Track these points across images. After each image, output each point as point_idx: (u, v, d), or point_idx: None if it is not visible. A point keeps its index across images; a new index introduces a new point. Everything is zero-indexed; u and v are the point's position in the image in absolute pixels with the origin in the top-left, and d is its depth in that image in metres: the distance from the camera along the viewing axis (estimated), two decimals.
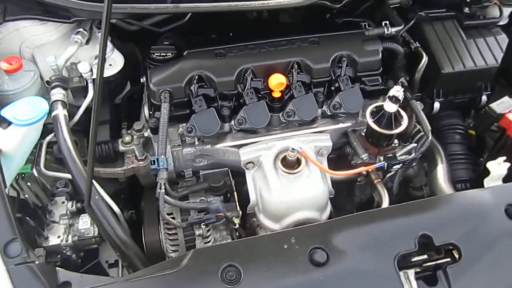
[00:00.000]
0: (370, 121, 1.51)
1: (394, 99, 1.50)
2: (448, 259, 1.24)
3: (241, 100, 1.50)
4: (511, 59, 1.86)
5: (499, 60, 1.67)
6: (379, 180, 1.60)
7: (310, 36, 1.58)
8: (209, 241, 1.44)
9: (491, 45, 1.70)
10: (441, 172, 1.56)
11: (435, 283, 1.22)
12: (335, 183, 1.61)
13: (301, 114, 1.51)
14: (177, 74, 1.47)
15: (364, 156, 1.59)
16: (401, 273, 1.21)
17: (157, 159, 1.38)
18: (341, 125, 1.58)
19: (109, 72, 1.60)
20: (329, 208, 1.53)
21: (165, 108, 1.42)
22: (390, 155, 1.55)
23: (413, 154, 1.53)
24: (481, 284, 1.20)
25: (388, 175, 1.64)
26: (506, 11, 1.87)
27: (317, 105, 1.56)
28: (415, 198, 1.73)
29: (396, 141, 1.62)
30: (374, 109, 1.53)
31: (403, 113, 1.53)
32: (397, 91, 1.51)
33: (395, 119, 1.50)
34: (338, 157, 1.72)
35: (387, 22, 1.67)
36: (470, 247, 1.23)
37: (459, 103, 1.74)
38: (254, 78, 1.52)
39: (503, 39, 1.73)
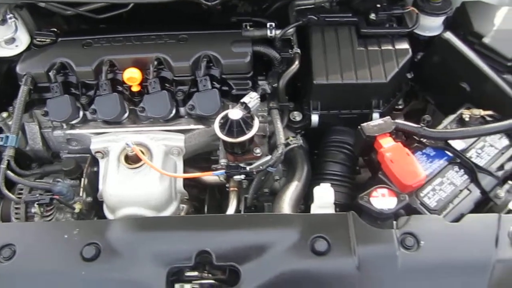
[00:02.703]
0: (216, 126, 1.45)
1: (244, 106, 1.43)
2: (221, 283, 1.18)
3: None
4: (440, 77, 1.65)
5: (389, 77, 1.48)
6: (235, 188, 1.54)
7: (181, 33, 1.55)
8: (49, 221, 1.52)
9: (386, 58, 1.51)
10: (290, 190, 1.44)
11: None
12: None
13: (151, 111, 1.50)
14: (42, 60, 1.55)
15: (222, 161, 1.53)
16: (177, 286, 1.18)
17: (7, 137, 1.49)
18: (192, 126, 1.54)
19: (10, 52, 1.74)
20: (171, 209, 1.51)
21: (23, 91, 1.51)
22: (241, 164, 1.48)
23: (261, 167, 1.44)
24: None
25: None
26: (435, 20, 1.65)
27: (179, 103, 1.54)
28: None
29: (258, 150, 1.54)
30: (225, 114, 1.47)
31: (255, 122, 1.45)
32: (250, 98, 1.44)
33: (239, 127, 1.42)
34: None
35: (273, 23, 1.57)
36: (252, 275, 1.15)
37: (348, 118, 1.58)
38: (117, 71, 1.54)
39: (404, 52, 1.52)
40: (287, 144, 1.57)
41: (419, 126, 1.42)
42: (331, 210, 1.30)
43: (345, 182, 1.54)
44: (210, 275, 1.21)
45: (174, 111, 1.54)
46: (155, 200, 1.46)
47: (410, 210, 1.35)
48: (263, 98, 1.55)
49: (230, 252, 1.18)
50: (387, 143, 1.40)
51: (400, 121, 1.43)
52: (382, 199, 1.26)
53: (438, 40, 1.58)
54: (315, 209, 1.30)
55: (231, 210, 1.49)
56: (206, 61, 1.50)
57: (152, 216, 1.33)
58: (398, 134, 1.49)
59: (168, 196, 1.48)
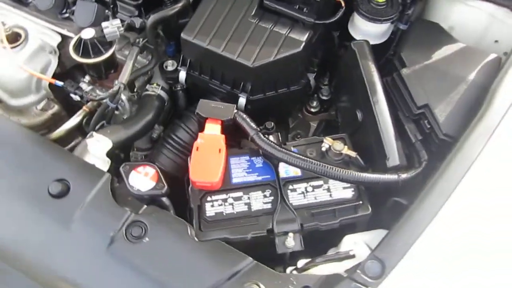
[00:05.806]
0: (71, 43, 1.38)
1: (101, 29, 1.34)
2: None
3: None
4: (344, 93, 1.37)
5: (258, 63, 1.23)
6: (85, 109, 1.50)
7: None
8: None
9: (269, 42, 1.25)
10: (107, 131, 1.32)
11: None
12: None
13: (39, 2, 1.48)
14: None
15: (85, 78, 1.49)
16: None
17: None
18: (66, 32, 1.48)
19: None
20: (27, 100, 1.52)
21: None
22: (88, 87, 1.42)
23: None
24: None
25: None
26: (368, 25, 1.31)
27: (70, 6, 1.50)
28: None
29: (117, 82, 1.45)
30: None
31: (111, 49, 1.35)
32: (110, 24, 1.34)
33: (87, 47, 1.33)
34: None
35: None
36: None
37: (219, 91, 1.38)
38: None
39: (293, 44, 1.25)
40: (145, 90, 1.47)
41: (256, 128, 1.20)
42: (102, 164, 1.20)
43: (183, 154, 1.40)
44: None
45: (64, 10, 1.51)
46: (9, 84, 1.49)
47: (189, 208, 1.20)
48: None
49: None
50: (210, 130, 1.22)
51: (242, 114, 1.22)
52: (141, 177, 1.14)
53: (349, 48, 1.26)
54: (89, 157, 1.21)
55: (67, 124, 1.47)
56: None
57: None
58: None
59: (24, 86, 1.50)
